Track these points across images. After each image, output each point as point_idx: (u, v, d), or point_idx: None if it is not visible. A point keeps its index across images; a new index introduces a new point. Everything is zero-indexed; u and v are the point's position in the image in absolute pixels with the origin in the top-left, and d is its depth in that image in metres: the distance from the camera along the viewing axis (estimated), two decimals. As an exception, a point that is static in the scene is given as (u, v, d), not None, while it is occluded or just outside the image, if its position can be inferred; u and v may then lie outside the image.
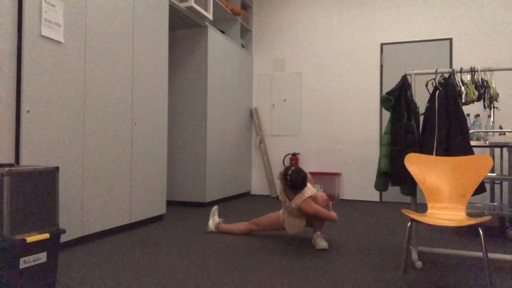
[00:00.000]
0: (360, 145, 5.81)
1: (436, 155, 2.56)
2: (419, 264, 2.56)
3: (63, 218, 2.81)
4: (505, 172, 4.63)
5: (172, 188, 5.05)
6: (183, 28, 5.01)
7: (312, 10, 6.13)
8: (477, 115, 3.51)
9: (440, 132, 2.58)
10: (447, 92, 2.61)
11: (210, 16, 4.82)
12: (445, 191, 2.39)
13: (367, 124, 5.79)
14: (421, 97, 4.99)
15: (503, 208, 3.64)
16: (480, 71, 2.83)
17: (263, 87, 6.36)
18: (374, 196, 5.74)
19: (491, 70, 2.81)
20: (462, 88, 2.82)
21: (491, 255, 2.62)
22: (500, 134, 3.73)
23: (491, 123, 3.68)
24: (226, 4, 5.44)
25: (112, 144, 3.29)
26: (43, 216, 2.04)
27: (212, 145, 5.06)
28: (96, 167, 3.11)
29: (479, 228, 2.03)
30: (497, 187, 4.56)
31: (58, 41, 2.76)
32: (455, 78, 2.78)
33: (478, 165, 2.34)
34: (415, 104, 2.74)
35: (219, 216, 4.30)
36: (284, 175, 3.09)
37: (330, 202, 3.20)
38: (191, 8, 4.47)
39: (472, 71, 2.84)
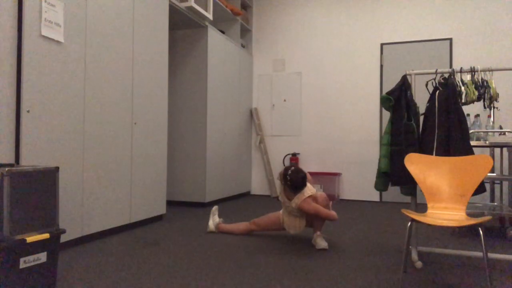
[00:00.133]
0: (360, 145, 5.81)
1: (436, 155, 2.56)
2: (419, 264, 2.56)
3: (63, 218, 2.81)
4: (505, 172, 4.63)
5: (172, 188, 5.05)
6: (183, 28, 5.01)
7: (312, 10, 6.13)
8: (477, 115, 3.51)
9: (440, 132, 2.58)
10: (447, 92, 2.61)
11: (210, 16, 4.82)
12: (445, 191, 2.39)
13: (367, 124, 5.79)
14: (421, 97, 4.99)
15: (503, 208, 3.64)
16: (480, 71, 2.83)
17: (263, 87, 6.36)
18: (374, 196, 5.74)
19: (491, 70, 2.81)
20: (462, 88, 2.82)
21: (491, 255, 2.62)
22: (500, 134, 3.73)
23: (491, 123, 3.68)
24: (226, 4, 5.44)
25: (112, 144, 3.29)
26: (43, 216, 2.04)
27: (212, 145, 5.06)
28: (96, 167, 3.11)
29: (479, 228, 2.03)
30: (497, 187, 4.57)
31: (58, 41, 2.76)
32: (455, 78, 2.78)
33: (478, 165, 2.34)
34: (415, 104, 2.74)
35: (219, 216, 4.30)
36: (284, 175, 3.10)
37: (330, 202, 3.20)
38: (191, 8, 4.48)
39: (472, 71, 2.84)
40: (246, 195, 6.28)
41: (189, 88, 5.01)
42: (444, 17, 5.48)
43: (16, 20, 2.50)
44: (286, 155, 6.15)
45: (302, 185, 3.07)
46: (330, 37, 6.02)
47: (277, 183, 6.06)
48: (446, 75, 2.78)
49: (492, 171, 4.06)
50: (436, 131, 2.59)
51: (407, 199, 5.55)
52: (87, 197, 3.03)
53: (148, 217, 3.79)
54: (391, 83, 5.66)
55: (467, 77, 2.88)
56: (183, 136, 5.02)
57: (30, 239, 1.93)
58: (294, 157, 5.99)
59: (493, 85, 2.86)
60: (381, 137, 5.63)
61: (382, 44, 5.74)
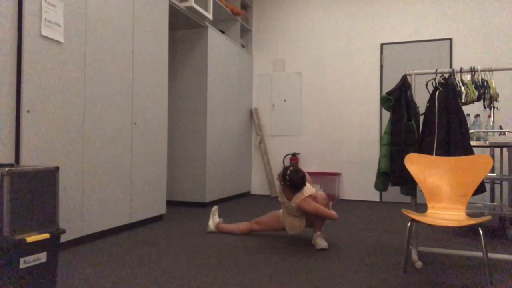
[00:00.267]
0: (360, 145, 5.81)
1: (436, 155, 2.56)
2: (419, 264, 2.56)
3: (63, 218, 2.81)
4: (505, 172, 4.63)
5: (172, 188, 5.05)
6: (183, 28, 5.01)
7: (312, 10, 6.13)
8: (477, 115, 3.51)
9: (440, 132, 2.58)
10: (447, 92, 2.61)
11: (210, 16, 4.82)
12: (445, 191, 2.39)
13: (367, 124, 5.79)
14: (421, 97, 4.99)
15: (503, 208, 3.64)
16: (480, 71, 2.83)
17: (263, 87, 6.36)
18: (374, 196, 5.74)
19: (491, 70, 2.81)
20: (462, 88, 2.82)
21: (491, 255, 2.62)
22: (500, 134, 3.73)
23: (491, 123, 3.68)
24: (226, 4, 5.44)
25: (112, 144, 3.29)
26: (43, 216, 2.04)
27: (212, 145, 5.06)
28: (96, 167, 3.11)
29: (479, 228, 2.03)
30: (497, 187, 4.57)
31: (58, 41, 2.76)
32: (455, 78, 2.78)
33: (478, 165, 2.34)
34: (415, 104, 2.74)
35: (219, 216, 4.30)
36: (283, 175, 3.10)
37: (330, 202, 3.20)
38: (191, 8, 4.48)
39: (472, 71, 2.84)
40: (246, 195, 6.28)
41: (189, 88, 5.01)
42: (444, 17, 5.48)
43: (16, 20, 2.50)
44: (286, 155, 6.15)
45: (302, 184, 3.07)
46: (330, 37, 6.02)
47: (277, 183, 6.07)
48: (446, 75, 2.78)
49: (492, 171, 4.06)
50: (436, 131, 2.59)
51: (407, 199, 5.55)
52: (87, 197, 3.03)
53: (148, 217, 3.79)
54: (391, 83, 5.66)
55: (467, 77, 2.88)
56: (183, 136, 5.02)
57: (30, 239, 1.93)
58: (294, 157, 5.99)
59: (493, 85, 2.86)
60: (381, 137, 5.63)
61: (382, 44, 5.74)
